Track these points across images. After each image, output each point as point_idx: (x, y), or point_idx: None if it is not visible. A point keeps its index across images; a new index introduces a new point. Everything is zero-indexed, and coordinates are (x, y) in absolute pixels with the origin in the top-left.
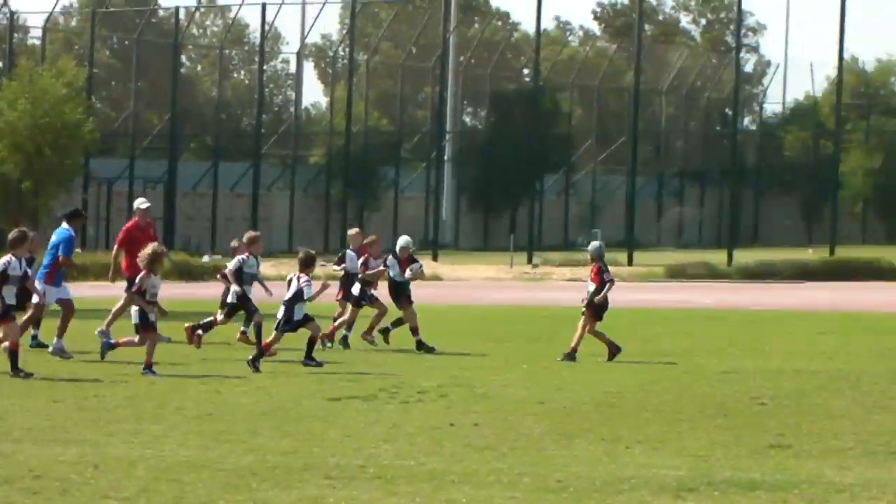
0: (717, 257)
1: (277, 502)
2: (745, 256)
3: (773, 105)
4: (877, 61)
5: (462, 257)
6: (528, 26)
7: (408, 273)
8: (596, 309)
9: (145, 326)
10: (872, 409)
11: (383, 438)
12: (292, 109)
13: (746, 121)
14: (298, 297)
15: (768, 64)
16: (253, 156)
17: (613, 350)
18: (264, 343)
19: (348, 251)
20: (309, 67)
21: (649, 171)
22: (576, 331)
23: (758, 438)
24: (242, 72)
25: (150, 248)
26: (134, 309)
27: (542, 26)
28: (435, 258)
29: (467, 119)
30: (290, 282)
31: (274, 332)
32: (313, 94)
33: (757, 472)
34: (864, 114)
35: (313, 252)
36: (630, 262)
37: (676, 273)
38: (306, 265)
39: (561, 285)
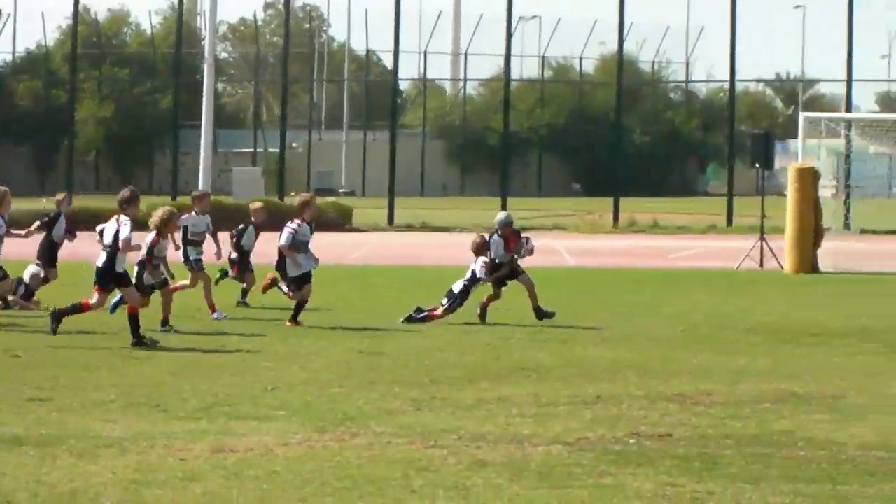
0: None
1: None
2: None
3: (3, 54)
4: (109, 11)
5: None
6: None
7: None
8: None
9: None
10: (129, 360)
11: None
12: None
13: None
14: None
15: None
16: None
17: None
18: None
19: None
20: None
21: None
22: None
23: (17, 392)
24: None
25: (161, 211)
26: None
27: None
28: None
29: None
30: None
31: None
32: None
33: (21, 427)
34: (96, 63)
35: None
36: None
37: None
38: None
39: None
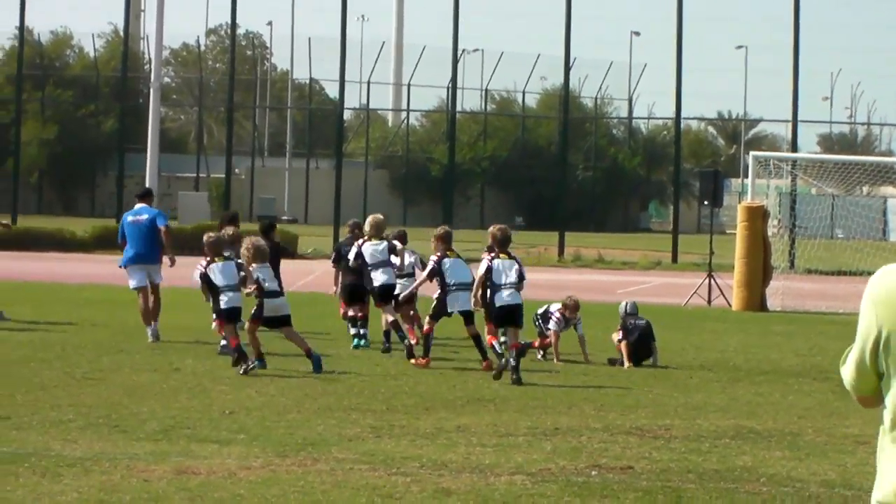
0: None
1: None
2: None
3: None
4: (51, 34)
5: None
6: None
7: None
8: None
9: None
10: (84, 381)
11: None
12: None
13: None
14: None
15: None
16: None
17: None
18: None
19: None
20: None
21: None
22: None
23: None
24: None
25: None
26: None
27: None
28: None
29: None
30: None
31: None
32: None
33: None
34: (39, 84)
35: None
36: None
37: None
38: None
39: None
